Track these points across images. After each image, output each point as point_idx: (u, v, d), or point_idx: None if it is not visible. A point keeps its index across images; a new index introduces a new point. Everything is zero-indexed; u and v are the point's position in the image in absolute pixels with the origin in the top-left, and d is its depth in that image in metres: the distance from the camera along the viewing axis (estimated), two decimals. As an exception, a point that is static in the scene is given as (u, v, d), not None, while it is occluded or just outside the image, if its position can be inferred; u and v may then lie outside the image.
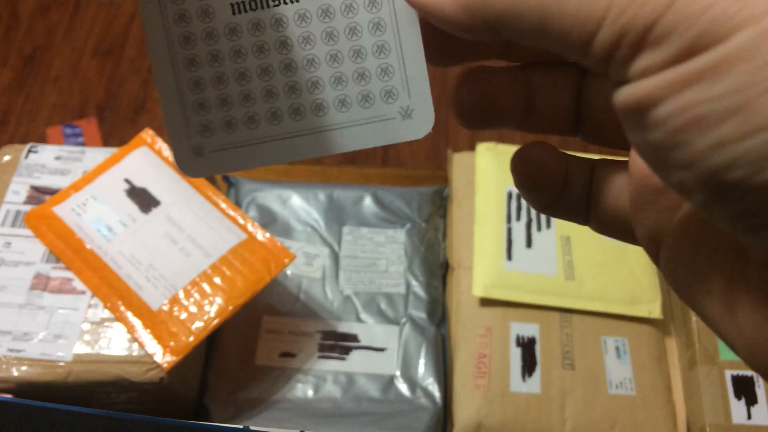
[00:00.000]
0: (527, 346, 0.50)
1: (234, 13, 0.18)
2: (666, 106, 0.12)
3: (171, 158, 0.18)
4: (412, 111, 0.18)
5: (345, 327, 0.52)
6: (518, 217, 0.55)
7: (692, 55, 0.12)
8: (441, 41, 0.18)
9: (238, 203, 0.58)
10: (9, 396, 0.43)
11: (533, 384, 0.49)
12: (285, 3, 0.18)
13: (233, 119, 0.18)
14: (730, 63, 0.11)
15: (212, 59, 0.18)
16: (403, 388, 0.50)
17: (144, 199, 0.50)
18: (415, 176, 0.65)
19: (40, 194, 0.51)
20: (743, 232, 0.13)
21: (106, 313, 0.46)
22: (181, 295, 0.46)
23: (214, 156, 0.18)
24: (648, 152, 0.13)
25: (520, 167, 0.19)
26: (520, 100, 0.19)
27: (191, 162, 0.18)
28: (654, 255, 0.17)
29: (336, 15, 0.18)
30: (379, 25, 0.18)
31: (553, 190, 0.19)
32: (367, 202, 0.59)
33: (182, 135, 0.18)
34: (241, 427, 0.38)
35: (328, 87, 0.18)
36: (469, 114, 0.19)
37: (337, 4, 0.18)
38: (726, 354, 0.48)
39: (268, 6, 0.18)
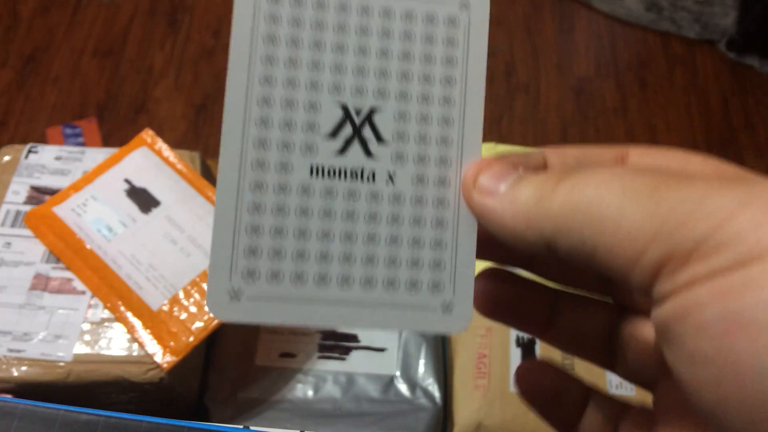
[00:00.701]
0: (527, 347, 0.50)
1: (311, 175, 0.18)
2: (711, 311, 0.13)
3: (206, 298, 0.18)
4: (453, 307, 0.19)
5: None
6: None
7: (743, 265, 0.12)
8: (490, 246, 0.19)
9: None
10: (9, 396, 0.43)
11: (533, 384, 0.49)
12: (361, 180, 0.18)
13: (281, 272, 0.18)
14: None
15: (277, 211, 0.18)
16: (402, 388, 0.50)
17: (144, 200, 0.50)
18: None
19: (40, 194, 0.51)
20: None
21: (106, 313, 0.46)
22: (181, 295, 0.46)
23: (249, 304, 0.18)
24: (686, 368, 0.13)
25: (532, 401, 0.20)
26: (542, 316, 0.20)
27: (225, 304, 0.18)
28: None
29: (405, 203, 0.19)
30: (441, 223, 0.19)
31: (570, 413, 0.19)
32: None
33: (224, 275, 0.18)
34: (241, 427, 0.38)
35: (381, 266, 0.18)
36: (486, 309, 0.20)
37: (408, 195, 0.19)
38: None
39: (345, 178, 0.18)
